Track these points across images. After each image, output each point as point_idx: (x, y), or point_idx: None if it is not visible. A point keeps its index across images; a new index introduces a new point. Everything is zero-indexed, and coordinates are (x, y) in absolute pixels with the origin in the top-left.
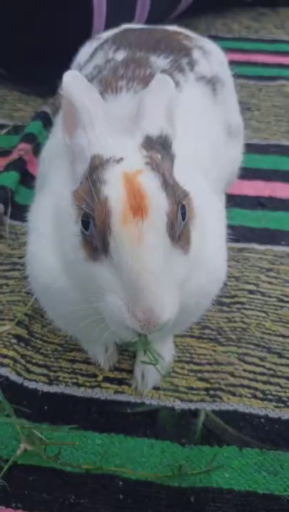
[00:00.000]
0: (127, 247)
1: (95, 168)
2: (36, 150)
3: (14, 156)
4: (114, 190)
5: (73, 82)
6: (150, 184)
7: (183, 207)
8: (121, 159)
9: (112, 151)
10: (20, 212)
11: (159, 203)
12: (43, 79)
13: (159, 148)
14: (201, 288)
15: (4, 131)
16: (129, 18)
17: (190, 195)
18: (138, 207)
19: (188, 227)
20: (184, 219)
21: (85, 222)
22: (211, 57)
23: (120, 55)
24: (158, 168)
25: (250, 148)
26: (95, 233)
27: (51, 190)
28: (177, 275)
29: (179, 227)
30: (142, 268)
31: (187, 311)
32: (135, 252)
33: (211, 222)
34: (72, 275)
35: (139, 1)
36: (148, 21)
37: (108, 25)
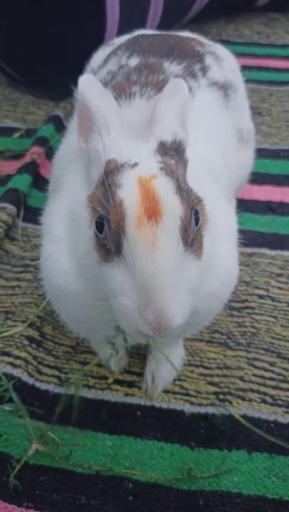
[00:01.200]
0: (140, 250)
1: (110, 172)
2: (49, 153)
3: (27, 159)
4: (129, 194)
5: (89, 85)
6: (165, 188)
7: (196, 212)
8: (136, 164)
9: (127, 156)
10: (32, 215)
11: (173, 207)
12: (56, 83)
13: (173, 153)
14: (214, 292)
15: (17, 134)
16: (142, 24)
17: (203, 201)
18: (152, 211)
19: (201, 233)
20: (197, 224)
21: (100, 224)
22: (224, 63)
23: (134, 61)
24: (172, 173)
25: (260, 153)
26: (109, 235)
27: (66, 194)
28: (190, 280)
29: (192, 232)
30: (155, 271)
31: (199, 315)
32: (149, 255)
33: (222, 227)
34: (86, 278)
35: (151, 7)
36: (160, 27)
37: (121, 31)
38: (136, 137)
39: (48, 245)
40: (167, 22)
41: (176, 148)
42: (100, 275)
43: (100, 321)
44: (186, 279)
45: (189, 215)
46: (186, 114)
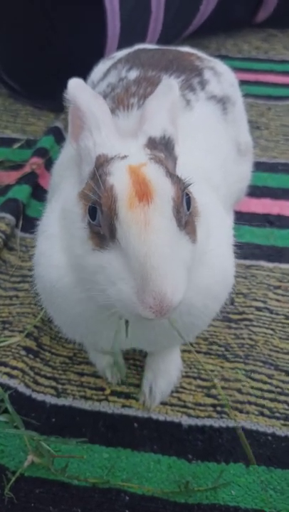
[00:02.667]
0: (133, 232)
1: (100, 165)
2: (48, 164)
3: (26, 169)
4: (119, 179)
5: (78, 86)
6: (154, 173)
7: (188, 196)
8: (125, 156)
9: (117, 151)
10: (31, 225)
11: (164, 187)
12: (57, 95)
13: (162, 148)
14: (208, 287)
15: (17, 145)
16: (142, 39)
17: (193, 194)
18: (143, 193)
19: (194, 219)
20: (188, 208)
21: (92, 209)
22: (222, 77)
23: (133, 74)
24: (161, 162)
25: (258, 167)
26: (102, 220)
27: (59, 196)
28: (185, 260)
29: (185, 213)
30: (149, 251)
31: (194, 313)
32: (142, 236)
33: (218, 228)
34: (79, 270)
35: (151, 22)
36: (160, 41)
37: (121, 45)
38: (126, 137)
39: (41, 243)
40: (167, 37)
41: (166, 143)
42: (96, 262)
43: (94, 319)
44: (181, 258)
45: (180, 195)
46: (176, 112)
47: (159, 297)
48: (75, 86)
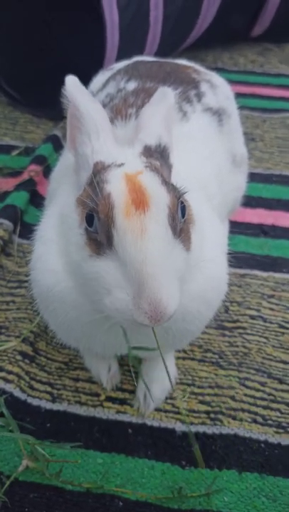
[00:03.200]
0: (130, 239)
1: (98, 172)
2: (46, 171)
3: (25, 176)
4: (116, 187)
5: (76, 86)
6: (150, 181)
7: (182, 204)
8: (122, 164)
9: (114, 158)
10: (28, 231)
11: (160, 196)
12: (55, 103)
13: (158, 156)
14: (202, 293)
15: (16, 152)
16: (140, 50)
17: (188, 202)
18: (140, 201)
19: (189, 226)
20: (183, 216)
21: (90, 217)
22: (218, 90)
23: (131, 85)
24: (157, 170)
25: (253, 178)
26: (99, 227)
27: (57, 202)
28: (178, 270)
29: (180, 221)
30: (145, 259)
31: (188, 319)
32: (138, 244)
33: (212, 235)
34: (76, 276)
35: (150, 35)
36: (158, 54)
37: (120, 56)
38: (123, 145)
39: (38, 248)
40: (165, 49)
41: (161, 151)
42: (92, 269)
43: (89, 324)
44: (175, 268)
45: (176, 203)
46: (172, 119)
47: (155, 303)
48: (72, 84)
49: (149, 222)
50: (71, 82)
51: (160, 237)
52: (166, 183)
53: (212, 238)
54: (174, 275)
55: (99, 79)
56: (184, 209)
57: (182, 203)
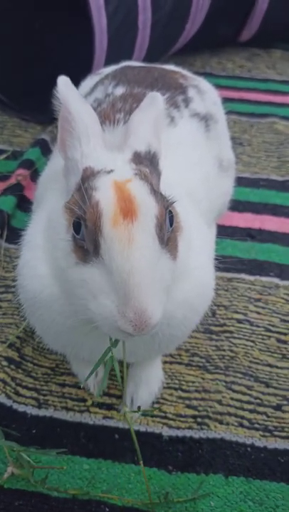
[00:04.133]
0: (117, 248)
1: (87, 178)
2: (34, 176)
3: (12, 180)
4: (104, 195)
5: (68, 87)
6: (139, 190)
7: (170, 213)
8: (111, 171)
9: (103, 164)
10: (15, 236)
11: (148, 205)
12: (44, 107)
13: (147, 163)
14: (188, 300)
15: (3, 156)
16: (129, 55)
17: (176, 210)
18: (128, 210)
19: (176, 235)
20: (171, 225)
21: (77, 224)
22: (206, 96)
23: (119, 90)
24: (146, 178)
25: (240, 182)
26: (86, 235)
27: (45, 207)
28: (165, 280)
29: (168, 231)
30: (132, 268)
31: (174, 325)
32: (125, 253)
33: (199, 241)
34: (62, 282)
35: (138, 40)
36: (146, 58)
37: (108, 61)
38: (112, 150)
39: (25, 253)
40: (153, 54)
41: (151, 158)
42: (79, 276)
43: (76, 330)
44: (161, 278)
45: (164, 213)
46: (161, 126)
47: (140, 312)
48: (64, 84)
49: (137, 231)
50: (63, 82)
51: (147, 246)
52: (155, 192)
53: (199, 245)
54: (161, 285)
55: (87, 83)
56: (171, 218)
57: (170, 212)
